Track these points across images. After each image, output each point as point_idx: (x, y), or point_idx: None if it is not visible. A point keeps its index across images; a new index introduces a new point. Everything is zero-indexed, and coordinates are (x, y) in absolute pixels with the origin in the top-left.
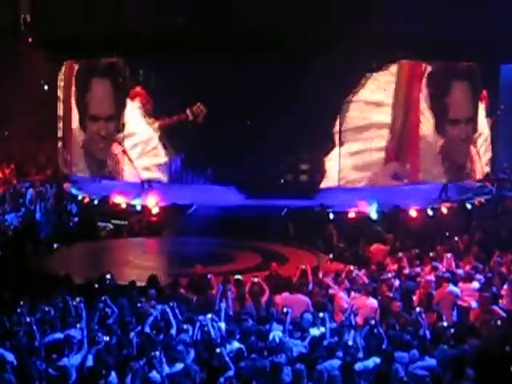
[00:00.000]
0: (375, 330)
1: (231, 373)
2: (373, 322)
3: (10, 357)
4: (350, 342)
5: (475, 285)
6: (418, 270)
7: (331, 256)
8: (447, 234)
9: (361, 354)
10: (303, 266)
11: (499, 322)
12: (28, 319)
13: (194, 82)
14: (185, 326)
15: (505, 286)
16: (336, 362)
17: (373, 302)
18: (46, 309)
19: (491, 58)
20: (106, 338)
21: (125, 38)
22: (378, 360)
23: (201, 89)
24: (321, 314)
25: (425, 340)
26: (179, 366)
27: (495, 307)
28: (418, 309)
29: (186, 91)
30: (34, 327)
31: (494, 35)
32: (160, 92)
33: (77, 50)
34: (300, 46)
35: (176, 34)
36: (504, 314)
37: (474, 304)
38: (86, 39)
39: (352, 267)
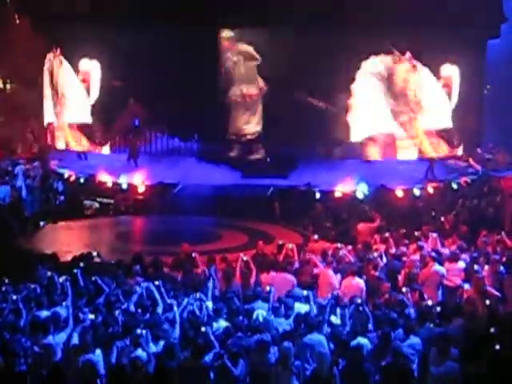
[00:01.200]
0: (361, 309)
1: (216, 351)
2: (359, 300)
3: None
4: (337, 321)
5: (461, 264)
6: (404, 249)
7: (316, 236)
8: (433, 213)
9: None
10: (289, 245)
11: (488, 302)
12: (14, 297)
13: None
14: (170, 304)
15: (486, 267)
16: (323, 338)
17: (359, 281)
18: (32, 286)
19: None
20: (92, 317)
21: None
22: (363, 340)
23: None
24: (305, 292)
25: (410, 319)
26: (164, 343)
27: (489, 288)
28: (404, 288)
29: None
30: (20, 305)
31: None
32: None
33: (61, 23)
34: None
35: None
36: (499, 295)
37: (466, 285)
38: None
39: (338, 246)
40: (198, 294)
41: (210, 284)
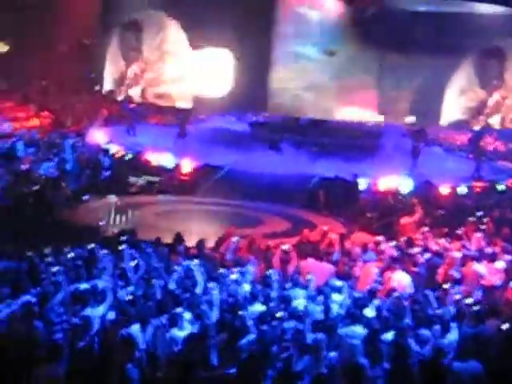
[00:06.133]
0: (399, 303)
1: (252, 336)
2: (397, 294)
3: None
4: (373, 313)
5: (500, 264)
6: (446, 246)
7: (358, 228)
8: (477, 213)
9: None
10: (332, 235)
11: None
12: (55, 268)
13: None
14: (209, 286)
15: None
16: (358, 330)
17: (402, 276)
18: (73, 259)
19: None
20: (130, 291)
21: None
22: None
23: None
24: (340, 283)
25: (448, 316)
26: (200, 325)
27: None
28: (444, 286)
29: None
30: (60, 277)
31: None
32: None
33: None
34: None
35: None
36: None
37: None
38: None
39: (380, 239)
40: (236, 277)
41: (250, 268)
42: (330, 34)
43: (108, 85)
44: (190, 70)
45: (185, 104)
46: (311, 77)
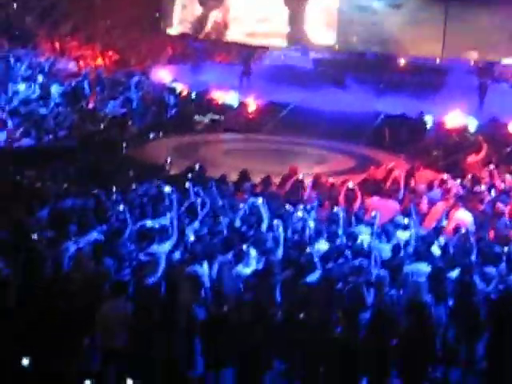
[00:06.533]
0: (465, 241)
1: (318, 273)
2: (463, 230)
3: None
4: (439, 251)
5: None
6: None
7: (424, 166)
8: None
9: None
10: (396, 172)
11: None
12: (121, 206)
13: None
14: (275, 223)
15: None
16: (423, 267)
17: (466, 214)
18: (139, 196)
19: None
20: (196, 228)
21: None
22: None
23: None
24: (405, 220)
25: None
26: (266, 261)
27: None
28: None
29: None
30: (127, 214)
31: None
32: None
33: None
34: None
35: None
36: None
37: None
38: None
39: (446, 177)
40: (301, 214)
41: (314, 205)
42: None
43: (179, 27)
44: (277, 11)
45: (275, 43)
46: (376, 29)
